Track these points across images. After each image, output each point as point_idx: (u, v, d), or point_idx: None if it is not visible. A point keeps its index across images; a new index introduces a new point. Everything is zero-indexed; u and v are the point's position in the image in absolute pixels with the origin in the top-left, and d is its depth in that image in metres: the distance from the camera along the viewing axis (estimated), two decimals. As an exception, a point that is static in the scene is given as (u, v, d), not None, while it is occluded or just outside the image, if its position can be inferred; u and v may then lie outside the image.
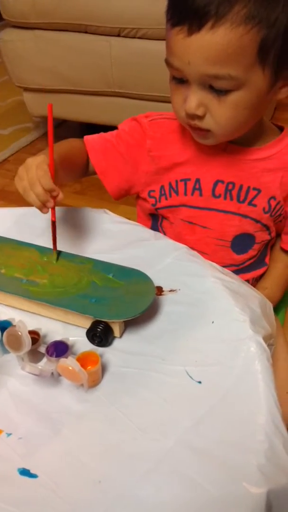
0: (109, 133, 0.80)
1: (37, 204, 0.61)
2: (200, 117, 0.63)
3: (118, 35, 1.64)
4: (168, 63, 0.63)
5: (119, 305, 0.56)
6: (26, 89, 1.93)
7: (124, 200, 0.88)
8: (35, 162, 0.62)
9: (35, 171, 0.61)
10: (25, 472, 0.44)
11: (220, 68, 0.58)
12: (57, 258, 0.63)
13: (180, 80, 0.63)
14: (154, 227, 0.82)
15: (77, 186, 1.84)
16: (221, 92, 0.61)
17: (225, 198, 0.73)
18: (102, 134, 0.80)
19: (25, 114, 2.27)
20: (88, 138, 0.79)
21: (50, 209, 0.62)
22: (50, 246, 0.66)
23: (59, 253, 0.64)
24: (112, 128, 0.82)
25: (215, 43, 0.57)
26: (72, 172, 0.76)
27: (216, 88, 0.60)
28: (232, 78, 0.59)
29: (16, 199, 2.05)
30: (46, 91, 1.89)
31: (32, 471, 0.44)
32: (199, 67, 0.59)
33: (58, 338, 0.55)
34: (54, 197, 0.61)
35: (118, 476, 0.43)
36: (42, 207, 0.61)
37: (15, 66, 1.85)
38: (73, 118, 1.95)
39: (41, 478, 0.43)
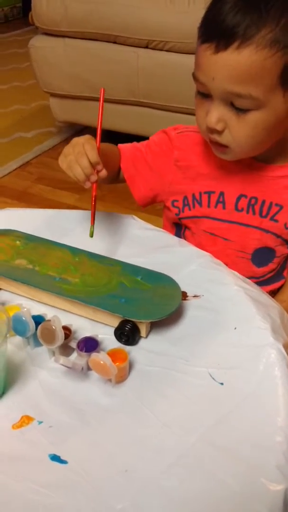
0: (141, 142, 0.84)
1: (82, 177, 0.65)
2: (219, 132, 0.66)
3: (146, 47, 1.69)
4: (194, 77, 0.66)
5: (147, 307, 0.58)
6: (53, 95, 1.98)
7: (142, 208, 0.91)
8: (82, 139, 0.67)
9: (82, 146, 0.66)
10: (55, 458, 0.46)
11: (242, 87, 0.61)
12: (92, 234, 0.66)
13: (204, 95, 0.66)
14: (177, 236, 0.85)
15: (97, 192, 1.88)
16: (241, 111, 0.64)
17: (247, 212, 0.76)
18: (134, 143, 0.84)
19: (48, 118, 2.32)
20: (121, 145, 0.84)
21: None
22: (80, 246, 0.69)
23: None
24: (134, 136, 0.86)
25: (239, 63, 0.60)
26: (107, 169, 0.80)
27: (236, 106, 0.63)
28: (252, 98, 0.62)
29: (38, 201, 2.11)
30: (72, 98, 1.93)
31: (62, 458, 0.47)
32: (223, 84, 0.62)
33: (87, 334, 0.58)
34: (98, 172, 0.65)
35: (143, 467, 0.46)
36: (86, 181, 0.65)
37: (43, 72, 1.91)
38: (96, 125, 1.99)
39: (70, 464, 0.46)
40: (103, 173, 0.66)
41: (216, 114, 0.65)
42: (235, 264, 0.78)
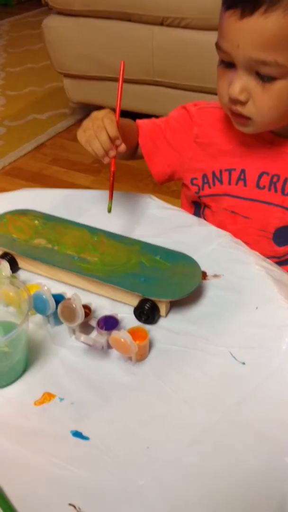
0: (160, 118, 0.82)
1: (100, 152, 0.65)
2: (242, 103, 0.64)
3: (161, 24, 1.66)
4: (218, 46, 0.64)
5: (166, 286, 0.58)
6: (66, 75, 1.96)
7: (158, 189, 0.90)
8: (102, 113, 0.66)
9: (101, 120, 0.65)
10: (77, 434, 0.47)
11: (268, 53, 0.59)
12: (110, 209, 0.66)
13: (227, 65, 0.64)
14: (196, 215, 0.84)
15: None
16: (266, 79, 0.61)
17: (269, 190, 0.75)
18: (153, 119, 0.83)
19: (62, 99, 2.30)
20: (139, 121, 0.82)
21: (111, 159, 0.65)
22: (97, 226, 0.69)
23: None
24: (150, 116, 0.84)
25: (266, 28, 0.58)
26: (125, 145, 0.79)
27: (262, 74, 0.61)
28: (278, 65, 0.60)
29: (53, 183, 2.11)
30: (86, 78, 1.91)
31: (84, 434, 0.47)
32: (248, 51, 0.60)
33: (106, 313, 0.58)
34: (116, 147, 0.64)
35: (164, 444, 0.46)
36: (104, 156, 0.65)
37: (57, 52, 1.89)
38: (111, 105, 1.97)
39: (92, 440, 0.46)
40: (122, 148, 0.65)
41: (239, 83, 0.63)
42: (256, 243, 0.77)
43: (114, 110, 0.69)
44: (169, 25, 1.64)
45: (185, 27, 1.62)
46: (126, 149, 0.67)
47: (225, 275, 0.64)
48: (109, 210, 0.65)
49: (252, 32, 0.59)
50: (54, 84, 2.58)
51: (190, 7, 1.57)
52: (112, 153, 0.65)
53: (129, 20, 1.70)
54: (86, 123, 0.67)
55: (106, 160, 0.65)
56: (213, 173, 0.77)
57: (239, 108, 0.65)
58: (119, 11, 1.68)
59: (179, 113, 0.81)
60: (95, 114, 0.67)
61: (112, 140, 0.64)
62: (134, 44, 1.71)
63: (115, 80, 1.91)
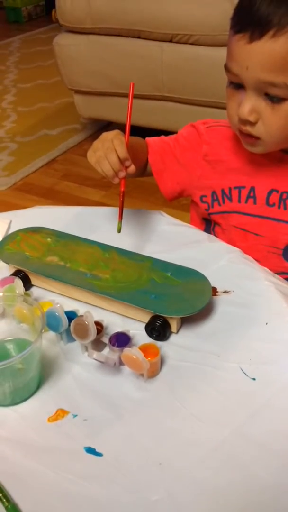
0: (169, 136, 0.84)
1: (110, 173, 0.66)
2: (252, 124, 0.65)
3: (171, 41, 1.68)
4: (227, 68, 0.65)
5: (177, 302, 0.59)
6: (77, 92, 2.00)
7: (168, 203, 0.91)
8: (111, 134, 0.68)
9: (111, 141, 0.67)
10: (91, 451, 0.48)
11: (277, 75, 0.61)
12: (120, 229, 0.67)
13: (236, 86, 0.66)
14: (207, 232, 0.84)
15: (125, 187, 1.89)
16: (275, 100, 0.63)
17: (279, 207, 0.75)
18: (162, 137, 0.84)
19: (73, 115, 2.34)
20: (149, 139, 0.84)
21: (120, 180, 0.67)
22: (108, 243, 0.70)
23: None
24: (159, 131, 0.86)
25: (274, 51, 0.59)
26: (135, 164, 0.81)
27: (271, 95, 0.63)
28: (287, 86, 0.61)
29: (64, 198, 2.13)
30: (97, 94, 1.94)
31: (97, 450, 0.48)
32: (257, 73, 0.61)
33: (118, 330, 0.59)
34: (126, 168, 0.66)
35: (177, 459, 0.46)
36: (114, 177, 0.67)
37: (68, 69, 1.92)
38: (121, 121, 2.00)
39: (105, 456, 0.47)
40: (132, 169, 0.67)
41: (249, 104, 0.64)
42: (267, 260, 0.78)
43: (124, 126, 0.71)
44: (178, 42, 1.67)
45: (193, 43, 1.64)
46: (136, 168, 0.69)
47: (235, 291, 0.64)
48: (119, 230, 0.67)
49: (261, 55, 0.60)
50: (64, 100, 2.62)
51: (198, 24, 1.60)
52: (122, 174, 0.66)
53: (139, 37, 1.73)
54: (96, 144, 0.69)
55: (115, 180, 0.67)
56: (222, 191, 0.78)
57: (248, 129, 0.66)
58: (129, 28, 1.71)
59: (188, 131, 0.82)
60: (105, 135, 0.69)
61: (121, 161, 0.66)
62: (144, 60, 1.74)
63: (125, 95, 1.93)
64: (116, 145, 0.66)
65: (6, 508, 0.43)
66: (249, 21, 0.60)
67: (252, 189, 0.76)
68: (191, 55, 1.66)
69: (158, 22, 1.66)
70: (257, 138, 0.67)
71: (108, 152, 0.66)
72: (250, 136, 0.68)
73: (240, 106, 0.65)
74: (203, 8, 1.59)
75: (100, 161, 0.67)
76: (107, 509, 0.43)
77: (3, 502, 0.43)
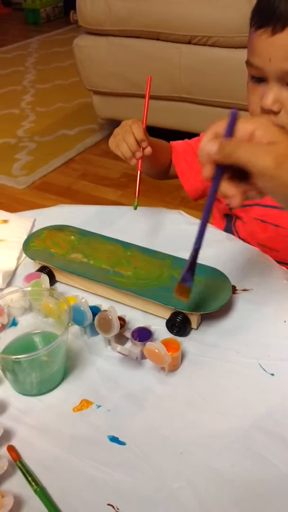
0: (192, 139, 0.87)
1: (128, 154, 0.71)
2: (275, 113, 0.67)
3: (189, 43, 1.70)
4: (249, 63, 0.68)
5: (198, 299, 0.60)
6: (96, 92, 2.02)
7: (185, 203, 0.93)
8: (130, 121, 0.73)
9: (129, 126, 0.71)
10: (114, 439, 0.49)
11: None
12: (136, 207, 0.72)
13: (258, 80, 0.68)
14: (228, 228, 0.87)
15: (141, 175, 1.91)
16: None
17: None
18: (186, 140, 0.88)
19: (90, 115, 2.37)
20: (173, 142, 0.88)
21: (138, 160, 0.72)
22: (129, 241, 0.72)
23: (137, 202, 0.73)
24: (177, 132, 0.89)
25: None
26: (153, 162, 0.83)
27: None
28: None
29: (82, 197, 2.17)
30: (115, 95, 1.97)
31: (120, 439, 0.49)
32: (279, 63, 0.64)
33: (139, 325, 0.61)
34: (143, 149, 0.70)
35: (197, 450, 0.48)
36: (131, 157, 0.71)
37: (87, 70, 1.95)
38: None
39: (128, 445, 0.49)
40: (148, 150, 0.71)
41: (272, 95, 0.66)
42: (287, 250, 0.79)
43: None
44: (196, 44, 1.69)
45: (212, 45, 1.66)
46: (157, 166, 0.72)
47: (254, 289, 0.66)
48: (135, 208, 0.71)
49: (283, 46, 0.63)
50: (82, 100, 2.65)
51: (216, 26, 1.61)
52: (139, 154, 0.71)
53: (158, 39, 1.75)
54: (117, 130, 0.74)
55: (133, 161, 0.72)
56: None
57: (272, 118, 0.68)
58: (148, 30, 1.73)
59: None
60: (124, 122, 0.74)
61: (138, 142, 0.70)
62: (162, 62, 1.75)
63: (143, 96, 1.96)
64: (134, 128, 0.71)
65: (35, 491, 0.45)
66: (270, 17, 0.63)
67: None
68: (209, 57, 1.67)
69: (177, 24, 1.67)
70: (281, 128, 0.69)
71: (126, 135, 0.71)
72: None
73: (263, 97, 0.67)
74: (221, 10, 1.60)
75: (119, 143, 0.72)
76: (130, 494, 0.45)
77: (32, 486, 0.45)
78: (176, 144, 0.87)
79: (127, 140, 0.70)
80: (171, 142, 0.87)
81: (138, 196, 0.71)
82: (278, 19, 0.62)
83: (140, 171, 0.72)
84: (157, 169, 0.88)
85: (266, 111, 0.68)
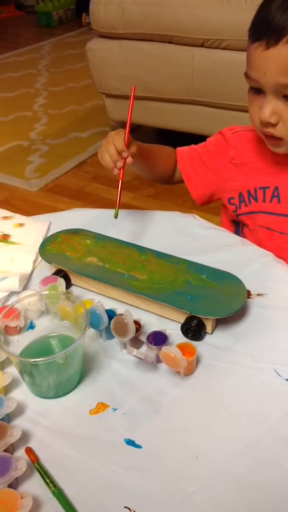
0: (198, 145, 0.89)
1: (110, 165, 0.73)
2: (273, 125, 0.69)
3: (202, 46, 1.70)
4: (247, 75, 0.70)
5: (213, 304, 0.61)
6: (108, 95, 2.03)
7: (196, 206, 0.94)
8: (114, 132, 0.75)
9: (112, 137, 0.73)
10: (130, 442, 0.50)
11: None
12: (117, 215, 0.72)
13: (257, 91, 0.69)
14: (236, 233, 0.87)
15: (151, 190, 1.92)
16: None
17: None
18: (192, 145, 0.89)
19: (102, 118, 2.38)
20: (179, 148, 0.89)
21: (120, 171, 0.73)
22: (143, 245, 0.73)
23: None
24: (189, 135, 0.90)
25: None
26: (150, 166, 0.86)
27: None
28: None
29: (94, 200, 2.19)
30: (127, 98, 1.97)
31: (136, 442, 0.50)
32: (274, 77, 0.65)
33: (154, 329, 0.61)
34: (124, 159, 0.72)
35: (213, 454, 0.48)
36: (113, 167, 0.73)
37: (100, 73, 1.96)
38: (150, 124, 2.03)
39: (144, 449, 0.49)
40: (129, 159, 0.72)
41: (269, 107, 0.68)
42: None
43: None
44: (209, 47, 1.69)
45: (225, 48, 1.66)
46: (157, 172, 0.78)
47: (268, 294, 0.66)
48: (116, 216, 0.72)
49: (277, 59, 0.64)
50: (94, 103, 2.67)
51: (229, 29, 1.61)
52: (119, 164, 0.72)
53: (170, 42, 1.75)
54: (102, 141, 0.76)
55: (115, 171, 0.73)
56: (248, 192, 0.81)
57: (271, 130, 0.70)
58: (161, 33, 1.74)
59: (215, 137, 0.87)
60: (109, 134, 0.75)
61: (119, 152, 0.71)
62: (175, 65, 1.76)
63: (155, 99, 1.97)
64: (115, 139, 0.72)
65: (52, 492, 0.45)
66: (265, 30, 0.64)
67: (276, 188, 0.78)
68: (222, 60, 1.68)
69: (190, 27, 1.68)
70: (280, 139, 0.71)
71: (108, 146, 0.72)
72: (273, 137, 0.71)
73: (261, 109, 0.68)
74: (234, 13, 1.60)
75: (102, 154, 0.74)
76: (146, 497, 0.45)
77: (50, 487, 0.46)
78: (182, 150, 0.88)
79: (108, 151, 0.72)
80: (177, 148, 0.89)
81: (118, 205, 0.72)
82: (273, 32, 0.63)
83: (122, 181, 0.73)
84: (158, 174, 0.89)
85: (265, 124, 0.69)
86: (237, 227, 0.89)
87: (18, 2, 4.83)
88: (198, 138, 0.96)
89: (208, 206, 1.31)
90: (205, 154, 0.86)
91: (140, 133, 2.23)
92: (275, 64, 0.64)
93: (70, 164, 2.14)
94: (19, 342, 0.58)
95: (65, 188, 2.00)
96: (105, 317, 0.59)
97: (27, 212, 0.88)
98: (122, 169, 0.73)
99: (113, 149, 0.72)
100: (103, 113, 2.22)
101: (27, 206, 1.86)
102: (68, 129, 2.45)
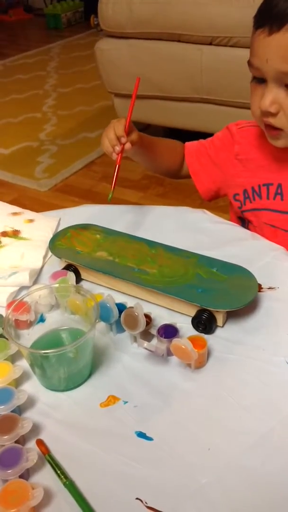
0: (206, 139, 0.89)
1: (109, 150, 0.74)
2: (273, 115, 0.68)
3: (210, 44, 1.70)
4: (249, 63, 0.69)
5: (224, 297, 0.61)
6: (117, 95, 2.03)
7: (205, 205, 0.94)
8: (116, 119, 0.76)
9: (113, 123, 0.74)
10: (141, 435, 0.50)
11: None
12: (111, 198, 0.73)
13: (259, 80, 0.69)
14: (243, 229, 0.87)
15: (160, 189, 1.92)
16: None
17: None
18: (200, 140, 0.89)
19: (111, 118, 2.35)
20: (188, 143, 0.89)
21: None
22: (154, 239, 0.72)
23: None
24: (198, 133, 0.89)
25: None
26: (155, 158, 0.86)
27: None
28: None
29: (103, 199, 2.19)
30: (136, 97, 1.97)
31: (147, 435, 0.50)
32: (276, 64, 0.64)
33: (165, 322, 0.61)
34: (123, 144, 0.72)
35: (225, 446, 0.48)
36: (112, 152, 0.74)
37: (109, 73, 1.96)
38: (159, 123, 2.03)
39: (156, 441, 0.49)
40: (128, 145, 0.73)
41: (270, 96, 0.67)
42: None
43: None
44: (217, 45, 1.68)
45: (233, 46, 1.65)
46: (164, 165, 0.79)
47: (279, 287, 0.66)
48: (109, 199, 0.73)
49: (279, 46, 0.63)
50: (103, 103, 2.67)
51: (238, 27, 1.60)
52: (117, 148, 0.73)
53: (179, 41, 1.75)
54: (105, 129, 0.76)
55: (113, 156, 0.73)
56: (253, 188, 0.81)
57: (270, 120, 0.69)
58: (169, 32, 1.74)
59: (222, 133, 0.87)
60: (112, 120, 0.76)
61: (118, 138, 0.72)
62: (184, 63, 1.76)
63: (164, 98, 1.97)
64: (115, 125, 0.73)
65: (64, 484, 0.45)
66: (268, 17, 0.64)
67: (279, 186, 0.78)
68: (230, 58, 1.67)
69: (198, 26, 1.67)
70: (280, 130, 0.70)
71: (108, 131, 0.74)
72: (273, 128, 0.70)
73: (262, 98, 0.68)
74: (243, 10, 1.59)
75: (102, 140, 0.75)
76: (158, 489, 0.45)
77: (61, 479, 0.46)
78: (190, 144, 0.88)
79: (108, 136, 0.74)
80: (186, 143, 0.88)
81: (113, 189, 0.74)
82: (275, 19, 0.63)
83: (119, 166, 0.74)
84: (163, 167, 0.90)
85: (265, 113, 0.68)
86: (243, 224, 0.88)
87: (27, 5, 4.86)
88: (207, 137, 0.96)
89: (216, 204, 1.31)
90: (211, 149, 0.86)
91: (149, 132, 2.22)
92: (277, 51, 0.64)
93: (79, 164, 2.14)
94: (30, 336, 0.58)
95: (74, 188, 2.01)
96: (115, 310, 0.59)
97: (37, 212, 0.88)
98: (120, 154, 0.73)
99: (112, 134, 0.73)
100: (112, 114, 2.22)
101: (36, 206, 1.86)
102: (77, 130, 2.46)
